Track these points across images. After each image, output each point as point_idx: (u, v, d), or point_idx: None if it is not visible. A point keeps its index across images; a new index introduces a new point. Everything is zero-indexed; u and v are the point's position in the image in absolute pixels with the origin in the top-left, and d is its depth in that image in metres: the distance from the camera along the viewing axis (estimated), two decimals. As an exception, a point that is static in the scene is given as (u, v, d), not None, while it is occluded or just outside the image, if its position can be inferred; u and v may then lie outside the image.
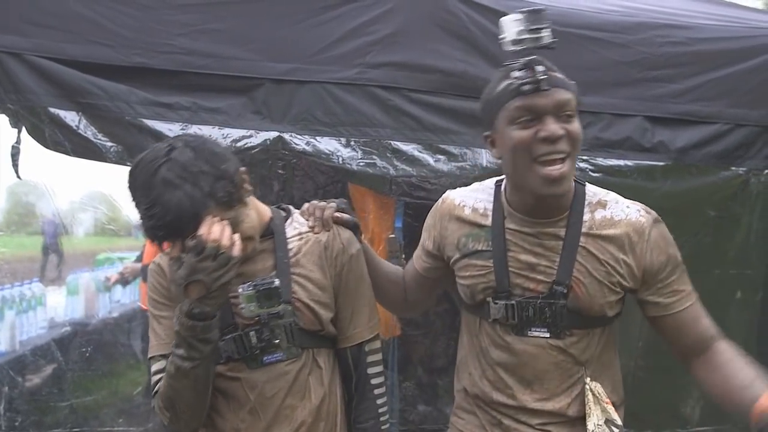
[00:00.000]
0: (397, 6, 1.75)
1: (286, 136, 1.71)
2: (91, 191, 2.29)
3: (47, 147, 1.62)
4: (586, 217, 1.20)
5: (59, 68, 1.60)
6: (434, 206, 1.33)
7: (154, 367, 1.15)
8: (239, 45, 1.70)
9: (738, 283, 2.07)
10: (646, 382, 2.00)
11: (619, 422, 1.21)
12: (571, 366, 1.21)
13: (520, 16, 1.14)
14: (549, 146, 1.11)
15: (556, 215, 1.20)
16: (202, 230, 1.02)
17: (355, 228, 1.24)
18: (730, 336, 2.04)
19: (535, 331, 1.20)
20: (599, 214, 1.21)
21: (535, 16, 1.14)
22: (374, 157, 1.75)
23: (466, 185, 1.78)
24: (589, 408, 1.19)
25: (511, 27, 1.15)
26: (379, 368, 1.25)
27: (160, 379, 1.12)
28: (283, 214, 1.24)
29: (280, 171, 1.72)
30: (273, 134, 1.71)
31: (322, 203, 1.23)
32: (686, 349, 1.24)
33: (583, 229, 1.19)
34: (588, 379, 1.21)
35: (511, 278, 1.20)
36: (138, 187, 1.04)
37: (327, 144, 1.74)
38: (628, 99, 1.91)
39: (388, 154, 1.75)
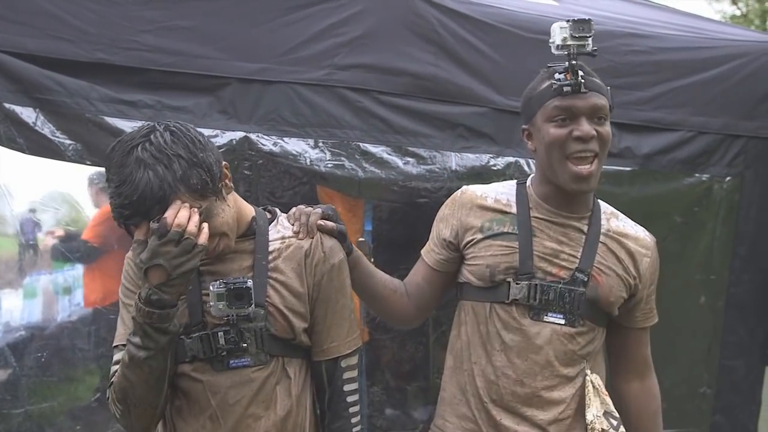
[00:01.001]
0: (367, 8, 1.75)
1: (253, 136, 1.69)
2: (50, 191, 2.22)
3: (1, 144, 1.56)
4: (603, 221, 1.32)
5: (16, 63, 1.54)
6: (451, 199, 1.38)
7: (116, 357, 1.12)
8: (206, 43, 1.67)
9: (702, 289, 2.12)
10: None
11: (617, 414, 1.27)
12: (576, 357, 1.27)
13: (567, 23, 1.25)
14: (581, 144, 1.22)
15: (580, 212, 1.30)
16: (168, 213, 0.99)
17: (341, 237, 1.21)
18: (693, 341, 2.10)
19: (552, 316, 1.26)
20: (614, 223, 1.33)
21: (581, 25, 1.26)
22: (343, 158, 1.74)
23: (437, 189, 1.81)
24: (589, 399, 1.25)
25: (558, 33, 1.26)
26: (354, 385, 1.21)
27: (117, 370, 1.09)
28: (269, 216, 1.21)
29: (246, 172, 1.69)
30: (239, 134, 1.68)
31: (309, 209, 1.21)
32: (628, 365, 1.37)
33: (603, 230, 1.30)
34: (588, 371, 1.27)
35: (535, 261, 1.26)
36: (112, 165, 1.02)
37: (295, 145, 1.71)
38: None
39: (357, 156, 1.74)
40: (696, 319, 2.13)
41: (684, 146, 2.02)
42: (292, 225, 1.20)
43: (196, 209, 1.02)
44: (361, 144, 1.76)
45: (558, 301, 1.25)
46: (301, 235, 1.18)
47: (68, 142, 1.59)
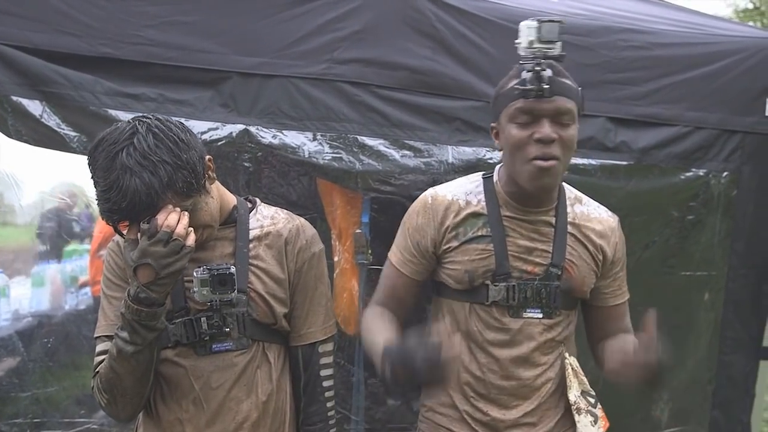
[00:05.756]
0: (366, 4, 1.77)
1: (253, 129, 1.72)
2: (59, 182, 2.27)
3: (9, 136, 1.60)
4: (569, 210, 1.34)
5: (23, 56, 1.58)
6: (421, 206, 1.35)
7: (99, 348, 1.15)
8: (207, 38, 1.71)
9: (705, 285, 2.13)
10: (617, 386, 2.03)
11: (593, 392, 1.33)
12: (554, 344, 1.33)
13: (535, 24, 1.20)
14: (542, 148, 1.21)
15: (547, 204, 1.32)
16: (159, 216, 1.02)
17: None
18: (700, 338, 2.11)
19: (530, 311, 1.30)
20: (578, 209, 1.36)
21: (549, 28, 1.21)
22: (341, 151, 1.77)
23: (434, 181, 1.83)
24: (570, 380, 1.31)
25: (525, 34, 1.23)
26: (330, 371, 1.25)
27: (102, 361, 1.12)
28: (249, 205, 1.25)
29: (245, 164, 1.73)
30: (239, 127, 1.71)
31: None
32: (605, 334, 1.39)
33: (569, 219, 1.33)
34: (567, 354, 1.33)
35: (510, 261, 1.29)
36: (97, 168, 1.04)
37: (293, 138, 1.74)
38: (591, 100, 1.91)
39: (355, 149, 1.77)
40: (701, 317, 2.14)
41: (680, 141, 2.03)
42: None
43: (185, 213, 1.05)
44: (358, 137, 1.78)
45: (535, 297, 1.29)
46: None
47: (73, 134, 1.63)
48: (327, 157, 1.75)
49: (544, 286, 1.28)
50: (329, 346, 1.25)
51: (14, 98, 1.58)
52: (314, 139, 1.76)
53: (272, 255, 1.19)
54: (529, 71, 1.20)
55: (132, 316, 1.04)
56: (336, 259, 1.95)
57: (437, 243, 1.32)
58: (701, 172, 2.07)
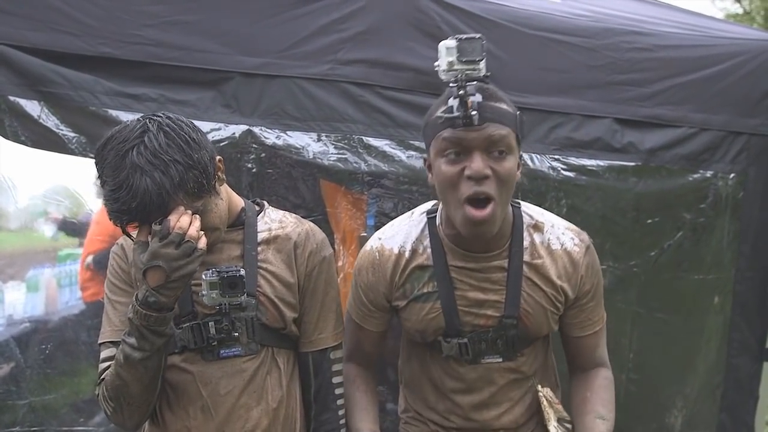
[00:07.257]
0: (370, 4, 1.75)
1: (256, 129, 1.69)
2: (54, 185, 2.23)
3: (6, 137, 1.57)
4: (527, 242, 1.21)
5: (20, 56, 1.54)
6: (368, 263, 1.27)
7: (103, 354, 1.12)
8: (209, 38, 1.68)
9: (715, 289, 2.11)
10: (635, 395, 2.01)
11: (568, 417, 1.28)
12: (522, 379, 1.27)
13: (454, 43, 1.05)
14: (474, 186, 1.08)
15: (498, 247, 1.20)
16: (171, 217, 0.99)
17: None
18: (710, 342, 2.10)
19: (489, 358, 1.23)
20: (537, 238, 1.23)
21: (469, 46, 1.04)
22: (346, 152, 1.74)
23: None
24: (547, 413, 1.25)
25: (444, 55, 1.06)
26: (341, 378, 1.23)
27: (108, 367, 1.08)
28: (257, 208, 1.23)
29: (249, 165, 1.70)
30: (242, 128, 1.68)
31: None
32: (577, 364, 1.32)
33: (525, 257, 1.21)
34: (539, 386, 1.27)
35: (461, 316, 1.21)
36: (106, 167, 1.01)
37: (298, 139, 1.72)
38: (597, 101, 1.95)
39: (360, 150, 1.75)
40: (712, 321, 2.12)
41: (686, 142, 2.02)
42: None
43: (197, 215, 1.02)
44: (364, 138, 1.76)
45: (491, 347, 1.22)
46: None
47: (72, 135, 1.60)
48: (332, 158, 1.73)
49: (499, 336, 1.21)
50: (340, 353, 1.23)
51: (12, 98, 1.55)
52: (319, 139, 1.73)
53: (281, 259, 1.16)
54: (455, 97, 1.06)
55: (140, 322, 1.01)
56: (340, 263, 1.92)
57: (390, 298, 1.27)
58: (708, 174, 2.06)
